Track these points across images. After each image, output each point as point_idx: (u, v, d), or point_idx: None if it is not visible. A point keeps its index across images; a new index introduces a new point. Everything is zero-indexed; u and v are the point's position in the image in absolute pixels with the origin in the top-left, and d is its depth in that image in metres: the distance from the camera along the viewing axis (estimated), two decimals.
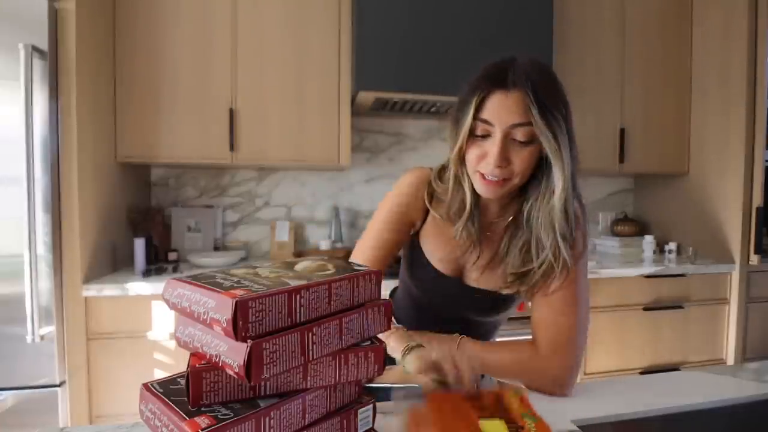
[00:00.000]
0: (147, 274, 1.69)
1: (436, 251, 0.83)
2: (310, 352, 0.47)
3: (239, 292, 0.43)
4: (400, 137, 2.39)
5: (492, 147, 0.66)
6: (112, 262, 1.78)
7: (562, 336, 0.73)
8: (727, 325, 2.16)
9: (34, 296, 1.39)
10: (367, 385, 0.79)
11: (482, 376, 0.87)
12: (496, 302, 0.82)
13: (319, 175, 2.32)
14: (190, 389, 0.45)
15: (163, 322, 1.59)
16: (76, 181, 1.51)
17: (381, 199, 0.89)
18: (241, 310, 0.41)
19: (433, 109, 2.12)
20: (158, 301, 1.59)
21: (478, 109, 0.66)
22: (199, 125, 1.85)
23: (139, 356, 1.58)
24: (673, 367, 2.11)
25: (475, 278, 0.82)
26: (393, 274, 1.50)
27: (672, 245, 2.28)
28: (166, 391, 0.48)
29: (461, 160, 0.72)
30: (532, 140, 0.65)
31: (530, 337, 0.78)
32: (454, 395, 0.68)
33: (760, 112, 2.05)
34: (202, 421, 0.42)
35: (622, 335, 2.03)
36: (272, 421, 0.46)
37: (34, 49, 1.39)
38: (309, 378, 0.49)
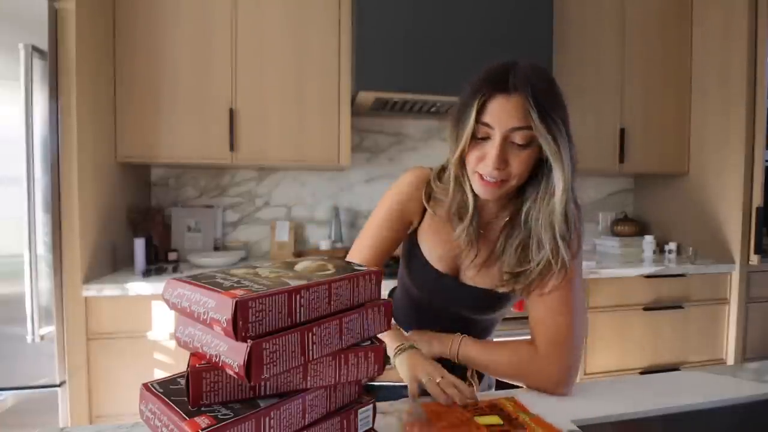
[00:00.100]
0: (147, 274, 1.69)
1: (433, 249, 0.83)
2: (310, 352, 0.47)
3: (239, 292, 0.43)
4: (400, 137, 2.39)
5: (491, 149, 0.67)
6: (112, 262, 1.78)
7: (560, 335, 0.73)
8: (727, 325, 2.16)
9: (34, 296, 1.39)
10: (368, 383, 0.80)
11: (481, 376, 0.87)
12: (491, 300, 0.83)
13: (319, 175, 2.32)
14: (190, 389, 0.45)
15: (163, 322, 1.59)
16: (76, 181, 1.51)
17: (381, 199, 0.89)
18: (241, 310, 0.41)
19: (433, 109, 2.12)
20: (158, 301, 1.59)
21: (480, 112, 0.67)
22: (199, 125, 1.85)
23: (139, 356, 1.58)
24: (673, 367, 2.11)
25: (471, 276, 0.82)
26: (392, 275, 1.50)
27: (672, 245, 2.28)
28: (166, 391, 0.48)
29: (462, 162, 0.73)
30: (530, 143, 0.67)
31: (528, 337, 0.78)
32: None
33: (760, 112, 2.05)
34: (202, 421, 0.42)
35: (622, 335, 2.03)
36: (272, 421, 0.46)
37: (34, 49, 1.39)
38: (309, 378, 0.49)
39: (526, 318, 0.79)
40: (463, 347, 0.78)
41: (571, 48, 2.19)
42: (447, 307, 0.85)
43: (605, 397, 0.73)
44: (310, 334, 0.47)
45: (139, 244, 1.76)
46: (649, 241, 2.31)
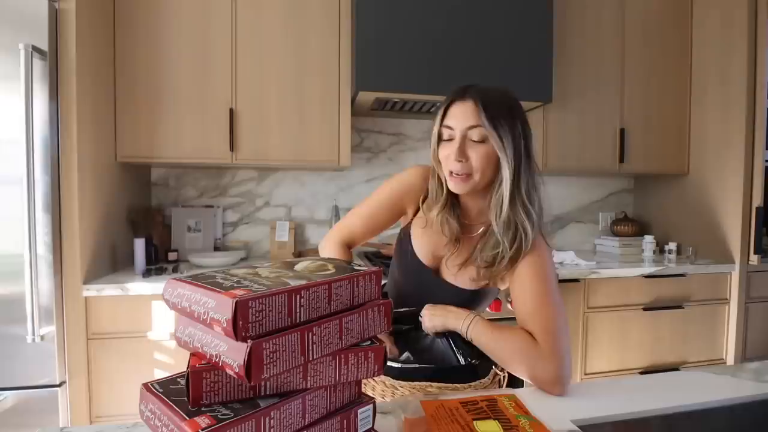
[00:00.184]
0: (147, 274, 1.69)
1: (422, 244, 0.92)
2: (310, 352, 0.47)
3: (239, 292, 0.43)
4: (400, 137, 2.39)
5: (454, 145, 0.80)
6: (112, 262, 1.78)
7: (550, 326, 0.77)
8: (727, 325, 2.16)
9: (34, 296, 1.39)
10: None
11: (478, 361, 0.88)
12: (467, 298, 0.90)
13: (319, 175, 2.32)
14: (190, 389, 0.45)
15: (163, 322, 1.59)
16: (76, 181, 1.51)
17: (384, 182, 0.99)
18: (241, 310, 0.41)
19: (432, 109, 2.12)
20: (158, 301, 1.59)
21: (443, 117, 0.82)
22: (199, 125, 1.85)
23: (139, 356, 1.58)
24: (673, 367, 2.11)
25: (450, 274, 0.90)
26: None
27: (672, 245, 2.28)
28: (166, 391, 0.48)
29: (437, 161, 0.85)
30: (485, 140, 0.79)
31: None
32: (450, 401, 0.68)
33: (760, 113, 2.04)
34: (202, 421, 0.42)
35: (622, 335, 2.03)
36: (272, 421, 0.46)
37: (34, 49, 1.39)
38: (309, 378, 0.49)
39: (507, 319, 0.81)
40: (474, 326, 0.82)
41: (571, 48, 2.19)
42: (428, 298, 0.90)
43: (605, 397, 0.73)
44: (310, 334, 0.47)
45: (139, 244, 1.76)
46: (649, 241, 2.31)
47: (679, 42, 2.34)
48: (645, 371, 2.07)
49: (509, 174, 0.78)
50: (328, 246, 1.03)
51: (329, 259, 0.60)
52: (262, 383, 0.47)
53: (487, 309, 1.76)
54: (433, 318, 0.86)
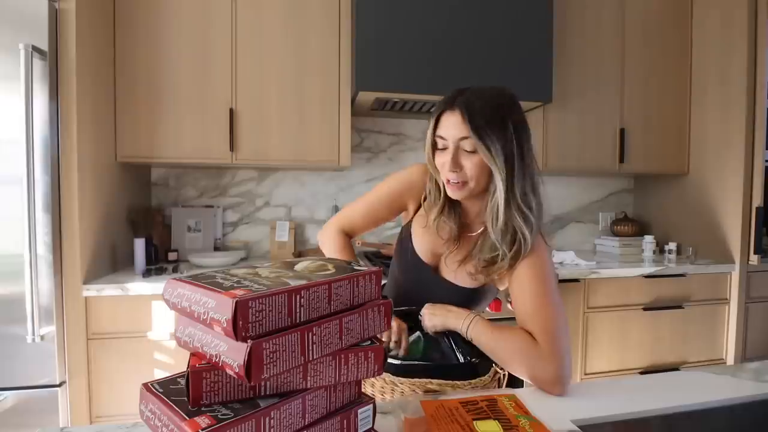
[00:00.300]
0: (147, 274, 1.69)
1: (422, 242, 0.93)
2: (310, 352, 0.47)
3: (239, 292, 0.43)
4: (400, 137, 2.39)
5: (447, 156, 0.81)
6: (112, 262, 1.78)
7: (549, 325, 0.77)
8: (727, 325, 2.16)
9: (34, 296, 1.39)
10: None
11: (478, 360, 0.88)
12: (467, 295, 0.90)
13: (319, 175, 2.32)
14: (190, 389, 0.45)
15: (163, 322, 1.59)
16: (76, 181, 1.51)
17: (387, 177, 1.00)
18: (241, 310, 0.41)
19: (432, 109, 2.11)
20: (158, 301, 1.59)
21: (435, 127, 0.83)
22: (199, 125, 1.85)
23: (139, 356, 1.58)
24: (673, 367, 2.11)
25: (450, 271, 0.91)
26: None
27: (672, 245, 2.28)
28: (166, 391, 0.48)
29: (434, 167, 0.86)
30: (477, 149, 0.79)
31: None
32: (450, 401, 0.68)
33: (760, 112, 2.04)
34: (202, 421, 0.42)
35: (622, 335, 2.03)
36: (272, 421, 0.46)
37: (34, 49, 1.39)
38: (309, 378, 0.49)
39: (508, 319, 0.81)
40: (474, 326, 0.82)
41: (571, 48, 2.19)
42: (428, 297, 0.91)
43: (605, 397, 0.73)
44: (310, 334, 0.47)
45: (139, 244, 1.76)
46: (649, 241, 2.31)
47: (679, 42, 2.34)
48: (645, 371, 2.07)
49: (501, 183, 0.79)
50: (328, 233, 1.05)
51: (329, 259, 0.60)
52: (262, 383, 0.47)
53: (487, 309, 1.76)
54: (433, 317, 0.86)
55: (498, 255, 0.83)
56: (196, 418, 0.43)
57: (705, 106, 2.28)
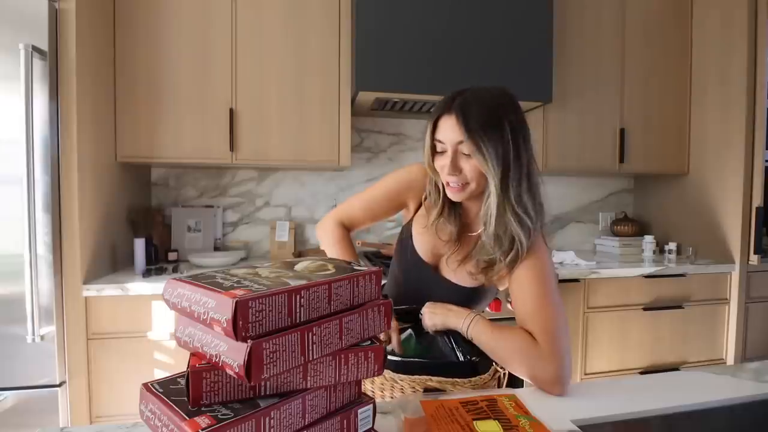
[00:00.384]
0: (147, 274, 1.69)
1: (422, 241, 0.93)
2: (310, 352, 0.47)
3: (239, 292, 0.43)
4: (400, 137, 2.39)
5: (446, 159, 0.82)
6: (112, 262, 1.78)
7: (549, 326, 0.77)
8: (727, 325, 2.16)
9: (34, 296, 1.39)
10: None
11: (478, 359, 0.88)
12: (467, 294, 0.90)
13: (319, 175, 2.32)
14: (190, 389, 0.45)
15: (163, 322, 1.59)
16: (76, 181, 1.51)
17: (388, 174, 1.01)
18: (241, 310, 0.41)
19: (432, 109, 2.11)
20: (158, 301, 1.59)
21: (434, 131, 0.84)
22: (199, 125, 1.85)
23: (139, 356, 1.58)
24: (673, 367, 2.11)
25: (450, 270, 0.91)
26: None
27: (672, 245, 2.28)
28: (166, 391, 0.48)
29: (434, 170, 0.87)
30: (473, 153, 0.79)
31: None
32: (450, 401, 0.68)
33: (760, 113, 2.04)
34: (202, 421, 0.42)
35: (622, 335, 2.03)
36: (272, 421, 0.46)
37: (34, 49, 1.39)
38: (309, 378, 0.49)
39: (508, 319, 0.81)
40: (474, 325, 0.82)
41: (570, 48, 2.19)
42: (427, 296, 0.91)
43: (605, 397, 0.73)
44: (310, 334, 0.47)
45: (139, 244, 1.76)
46: (649, 241, 2.31)
47: (679, 42, 2.34)
48: (645, 371, 2.07)
49: (495, 188, 0.79)
50: (327, 225, 1.05)
51: (329, 259, 0.60)
52: (262, 383, 0.47)
53: (487, 309, 1.76)
54: (433, 316, 0.86)
55: (496, 257, 0.83)
56: (196, 418, 0.43)
57: (705, 106, 2.28)
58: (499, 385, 0.87)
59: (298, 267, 0.55)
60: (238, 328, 0.41)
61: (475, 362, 0.88)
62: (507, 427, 0.60)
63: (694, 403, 0.71)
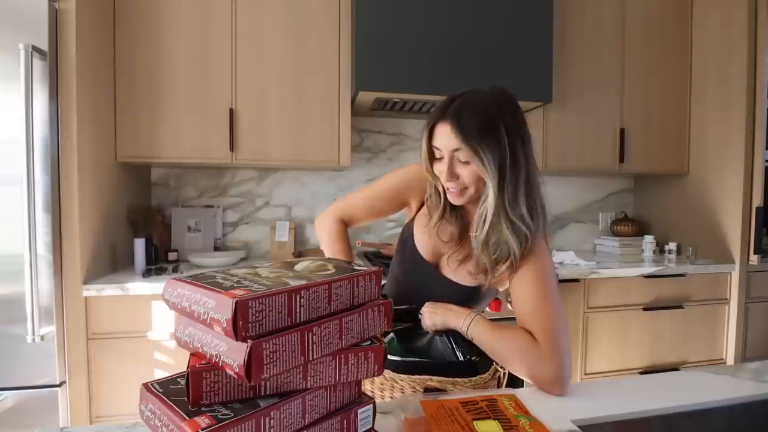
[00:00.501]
0: (147, 274, 1.69)
1: (423, 240, 0.93)
2: (310, 352, 0.47)
3: (239, 292, 0.43)
4: (400, 137, 2.39)
5: (444, 165, 0.82)
6: (112, 262, 1.78)
7: (549, 325, 0.77)
8: (727, 325, 2.16)
9: (34, 296, 1.39)
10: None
11: (478, 359, 0.88)
12: (468, 294, 0.90)
13: (319, 175, 2.32)
14: (190, 389, 0.45)
15: (163, 322, 1.59)
16: (76, 181, 1.51)
17: (390, 172, 1.01)
18: (241, 310, 0.41)
19: (432, 109, 2.11)
20: (158, 301, 1.59)
21: (430, 137, 0.83)
22: (199, 125, 1.85)
23: (139, 356, 1.58)
24: (673, 367, 2.11)
25: (451, 270, 0.91)
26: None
27: (672, 245, 2.28)
28: (166, 391, 0.48)
29: (433, 174, 0.87)
30: (470, 160, 0.79)
31: None
32: (450, 401, 0.68)
33: (760, 112, 2.04)
34: (202, 421, 0.42)
35: (622, 335, 2.03)
36: (272, 421, 0.46)
37: (34, 49, 1.39)
38: (309, 378, 0.49)
39: (508, 319, 0.81)
40: (474, 325, 0.82)
41: (570, 48, 2.19)
42: (427, 295, 0.91)
43: (605, 397, 0.73)
44: (310, 334, 0.47)
45: (139, 244, 1.76)
46: (649, 241, 2.31)
47: (679, 42, 2.34)
48: (645, 371, 2.07)
49: (492, 195, 0.78)
50: (326, 220, 1.05)
51: (329, 259, 0.60)
52: (262, 383, 0.47)
53: (487, 309, 1.76)
54: (433, 316, 0.86)
55: (495, 258, 0.83)
56: (196, 418, 0.43)
57: (705, 106, 2.28)
58: (499, 385, 0.87)
59: (298, 267, 0.55)
60: (238, 328, 0.41)
61: (475, 362, 0.88)
62: (507, 427, 0.60)
63: (694, 403, 0.71)
